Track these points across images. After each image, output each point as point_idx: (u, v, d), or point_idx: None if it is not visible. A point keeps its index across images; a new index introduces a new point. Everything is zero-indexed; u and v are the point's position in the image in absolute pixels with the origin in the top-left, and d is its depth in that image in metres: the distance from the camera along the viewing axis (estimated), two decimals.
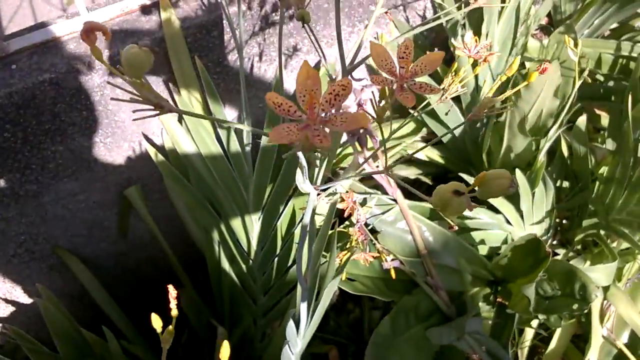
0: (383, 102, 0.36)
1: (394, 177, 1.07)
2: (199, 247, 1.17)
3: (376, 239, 1.00)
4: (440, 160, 1.34)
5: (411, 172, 1.36)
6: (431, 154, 1.34)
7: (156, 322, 0.45)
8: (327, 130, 0.29)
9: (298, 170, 0.51)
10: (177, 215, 1.19)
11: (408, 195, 1.12)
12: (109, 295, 1.20)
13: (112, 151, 1.05)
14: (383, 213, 1.04)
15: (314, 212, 0.58)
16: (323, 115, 0.30)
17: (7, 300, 1.18)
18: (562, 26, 1.13)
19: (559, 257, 1.34)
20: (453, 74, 0.57)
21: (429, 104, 1.23)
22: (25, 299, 1.19)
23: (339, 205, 0.98)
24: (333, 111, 0.30)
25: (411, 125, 1.33)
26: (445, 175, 1.40)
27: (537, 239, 0.97)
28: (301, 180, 0.52)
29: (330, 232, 0.95)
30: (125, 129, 1.03)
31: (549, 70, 1.11)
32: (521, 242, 1.01)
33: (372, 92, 0.35)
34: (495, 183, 0.35)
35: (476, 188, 0.35)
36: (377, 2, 1.10)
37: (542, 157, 1.13)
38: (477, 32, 1.15)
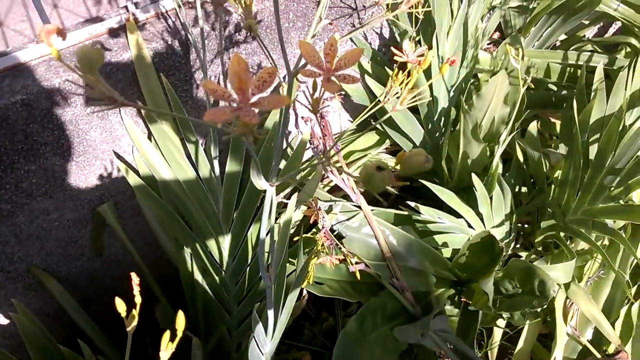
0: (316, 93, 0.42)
1: (358, 185, 1.12)
2: (173, 260, 1.20)
3: (342, 244, 1.05)
4: (395, 185, 1.40)
5: None
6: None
7: (120, 306, 0.49)
8: (255, 110, 0.34)
9: (252, 167, 0.56)
10: (151, 232, 1.22)
11: (374, 203, 1.18)
12: (85, 312, 1.22)
13: (85, 169, 1.09)
14: (348, 219, 1.09)
15: (271, 208, 0.62)
16: (253, 99, 0.35)
17: None
18: (509, 38, 1.21)
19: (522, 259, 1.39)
20: (394, 77, 0.62)
21: (391, 117, 1.29)
22: (2, 319, 1.21)
23: (306, 213, 1.03)
24: (262, 95, 0.35)
25: (375, 138, 1.39)
26: (411, 184, 1.46)
27: (491, 236, 1.03)
28: (256, 177, 0.56)
29: (296, 238, 1.00)
30: (97, 147, 1.07)
31: (499, 79, 1.19)
32: (477, 239, 1.06)
33: (307, 86, 0.40)
34: (412, 160, 0.40)
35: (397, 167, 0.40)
36: (332, 20, 1.17)
37: (496, 161, 1.19)
38: (430, 46, 1.22)
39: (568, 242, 1.29)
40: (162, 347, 0.50)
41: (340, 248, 1.04)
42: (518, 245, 1.47)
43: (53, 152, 1.02)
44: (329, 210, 1.07)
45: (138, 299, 0.50)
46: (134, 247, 1.19)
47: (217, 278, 1.17)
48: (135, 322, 0.50)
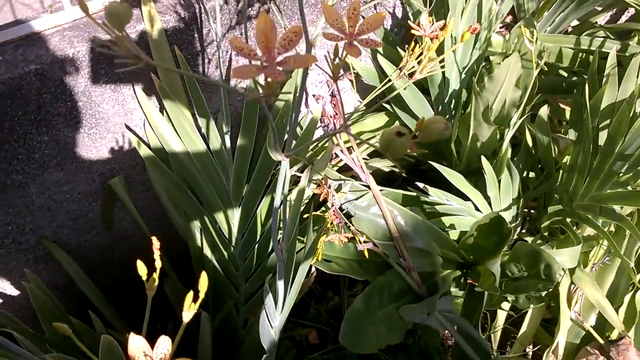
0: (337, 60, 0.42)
1: (368, 163, 1.12)
2: (182, 235, 1.21)
3: (351, 222, 1.05)
4: (413, 152, 1.40)
5: (385, 164, 1.42)
6: None
7: (141, 269, 0.50)
8: (281, 69, 0.35)
9: (269, 136, 0.56)
10: (160, 206, 1.23)
11: (383, 184, 1.18)
12: (95, 285, 1.23)
13: (96, 142, 1.09)
14: (357, 199, 1.09)
15: (285, 179, 0.63)
16: (279, 58, 0.35)
17: None
18: (522, 20, 1.20)
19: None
20: (410, 52, 0.62)
21: (401, 98, 1.29)
22: (12, 290, 1.22)
23: (315, 191, 1.03)
24: (288, 54, 0.35)
25: (384, 119, 1.39)
26: (418, 167, 1.46)
27: (500, 217, 1.03)
28: (272, 147, 0.56)
29: (306, 215, 1.01)
30: (109, 120, 1.08)
31: (512, 62, 1.18)
32: (485, 220, 1.07)
33: (327, 51, 0.40)
34: (433, 127, 0.40)
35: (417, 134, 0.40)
36: None
37: (506, 145, 1.19)
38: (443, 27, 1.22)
39: (574, 228, 1.30)
40: (184, 307, 0.51)
41: (348, 227, 1.05)
42: (524, 230, 1.47)
43: (65, 123, 1.03)
44: (339, 189, 1.08)
45: (158, 264, 0.51)
46: (143, 221, 1.20)
47: (225, 254, 1.18)
48: (155, 285, 0.50)
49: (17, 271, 1.20)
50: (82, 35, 0.97)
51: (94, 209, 1.20)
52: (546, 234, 1.44)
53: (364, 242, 1.05)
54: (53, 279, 1.27)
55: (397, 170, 1.45)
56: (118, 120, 1.09)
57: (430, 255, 1.13)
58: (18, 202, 1.09)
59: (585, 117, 1.21)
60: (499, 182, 1.23)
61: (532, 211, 1.49)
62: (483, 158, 1.15)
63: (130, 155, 1.16)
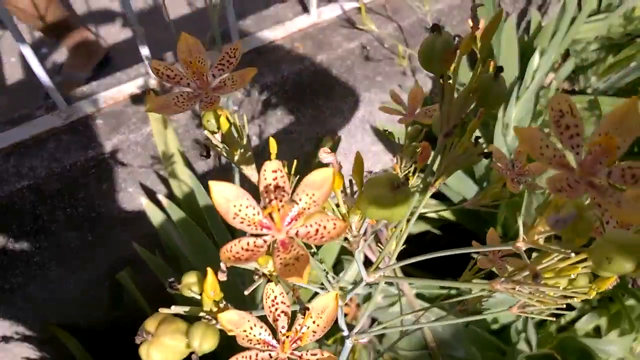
0: None
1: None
2: None
3: (379, 340, 0.95)
4: (452, 218, 1.27)
5: (420, 229, 1.29)
6: (443, 211, 1.26)
7: None
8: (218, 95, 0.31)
9: None
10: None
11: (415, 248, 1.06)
12: None
13: (100, 238, 0.99)
14: (390, 305, 0.98)
15: None
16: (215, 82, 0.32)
17: None
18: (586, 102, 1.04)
19: (574, 311, 1.29)
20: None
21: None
22: None
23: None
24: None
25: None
26: (457, 228, 1.33)
27: (553, 355, 0.91)
28: None
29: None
30: (112, 219, 0.97)
31: None
32: (537, 353, 0.95)
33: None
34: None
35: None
36: (381, 72, 1.02)
37: None
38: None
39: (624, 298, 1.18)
40: None
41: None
42: None
43: (65, 227, 0.92)
44: (368, 299, 0.97)
45: None
46: (151, 301, 1.11)
47: None
48: None
49: (23, 355, 1.12)
50: (80, 140, 0.85)
51: (101, 291, 1.11)
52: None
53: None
54: (60, 354, 1.19)
55: (431, 230, 1.32)
56: (124, 216, 0.98)
57: None
58: (19, 300, 1.00)
59: None
60: None
61: None
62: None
63: (139, 240, 1.05)
